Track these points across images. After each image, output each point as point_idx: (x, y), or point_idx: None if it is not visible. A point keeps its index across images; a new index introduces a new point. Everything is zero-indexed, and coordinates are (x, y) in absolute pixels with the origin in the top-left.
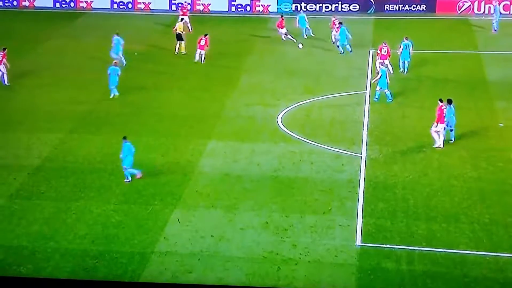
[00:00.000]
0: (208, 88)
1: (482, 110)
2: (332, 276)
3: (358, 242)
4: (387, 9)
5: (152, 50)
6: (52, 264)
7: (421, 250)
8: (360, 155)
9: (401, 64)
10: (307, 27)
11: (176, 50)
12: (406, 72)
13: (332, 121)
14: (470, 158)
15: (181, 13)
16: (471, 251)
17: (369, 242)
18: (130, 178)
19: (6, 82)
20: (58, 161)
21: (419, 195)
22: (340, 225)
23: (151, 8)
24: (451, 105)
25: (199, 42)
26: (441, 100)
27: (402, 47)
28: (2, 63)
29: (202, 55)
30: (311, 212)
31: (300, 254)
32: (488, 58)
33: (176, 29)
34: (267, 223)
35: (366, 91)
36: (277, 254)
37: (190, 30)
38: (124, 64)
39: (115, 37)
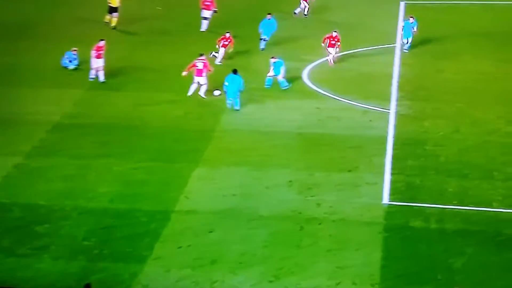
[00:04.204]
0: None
1: None
2: (358, 235)
3: (386, 201)
4: None
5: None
6: (70, 222)
7: (452, 208)
8: (389, 110)
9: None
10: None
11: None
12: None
13: (360, 75)
14: (505, 112)
15: None
16: (504, 209)
17: (397, 201)
18: None
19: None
20: (78, 118)
21: (450, 152)
22: (367, 183)
23: None
24: (237, 74)
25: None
26: (200, 54)
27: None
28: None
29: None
30: (338, 170)
31: (325, 213)
32: None
33: (109, 2)
34: (290, 181)
35: (396, 44)
36: (300, 213)
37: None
38: None
39: None
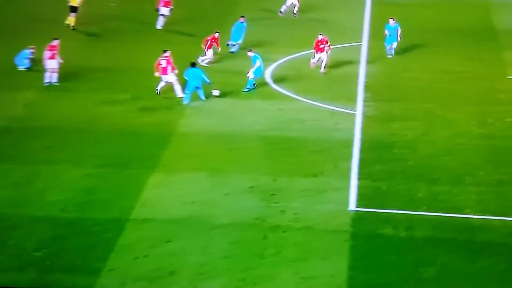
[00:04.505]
0: (193, 41)
1: (489, 62)
2: (323, 244)
3: (352, 207)
4: None
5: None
6: (19, 232)
7: (422, 214)
8: (355, 112)
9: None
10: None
11: (68, 23)
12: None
13: (325, 75)
14: (476, 113)
15: None
16: (477, 215)
17: (364, 207)
18: None
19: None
20: (27, 121)
21: (420, 155)
22: (333, 188)
23: None
24: (195, 67)
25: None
26: (164, 51)
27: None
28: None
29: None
30: (302, 175)
31: (289, 220)
32: (497, 5)
33: (69, 1)
34: (252, 187)
35: (363, 43)
36: (263, 221)
37: None
38: None
39: None
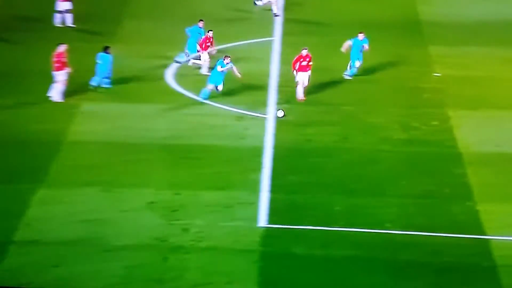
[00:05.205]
0: (83, 38)
1: (414, 58)
2: (230, 265)
3: (263, 223)
4: None
5: None
6: None
7: (339, 230)
8: (266, 116)
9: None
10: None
11: None
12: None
13: (233, 75)
14: (400, 116)
15: None
16: (399, 230)
17: (276, 223)
18: None
19: None
20: None
21: (337, 164)
22: (241, 203)
23: None
24: (106, 52)
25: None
26: (59, 44)
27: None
28: None
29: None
30: (208, 188)
31: (192, 240)
32: None
33: None
34: (151, 203)
35: (275, 38)
36: (163, 241)
37: None
38: None
39: None
